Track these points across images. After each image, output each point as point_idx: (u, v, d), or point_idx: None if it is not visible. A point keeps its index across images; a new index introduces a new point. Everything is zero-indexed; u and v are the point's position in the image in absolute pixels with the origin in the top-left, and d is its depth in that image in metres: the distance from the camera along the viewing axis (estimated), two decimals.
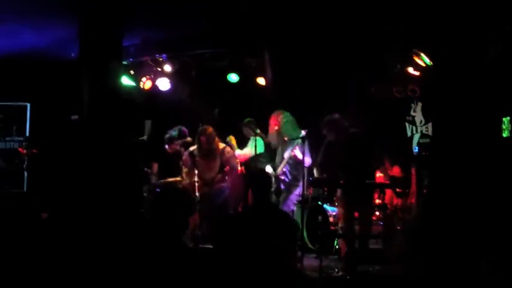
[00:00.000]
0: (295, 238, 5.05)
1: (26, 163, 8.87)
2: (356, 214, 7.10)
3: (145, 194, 8.41)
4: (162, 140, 8.61)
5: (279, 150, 7.58)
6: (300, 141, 6.98)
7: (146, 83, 9.35)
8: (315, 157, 7.07)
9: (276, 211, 5.50)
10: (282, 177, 7.37)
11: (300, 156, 7.07)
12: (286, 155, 7.32)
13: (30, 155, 8.82)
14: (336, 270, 6.64)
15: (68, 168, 7.06)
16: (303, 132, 6.94)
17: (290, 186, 7.38)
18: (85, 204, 6.65)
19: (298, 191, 7.25)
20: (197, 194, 7.32)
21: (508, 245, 5.55)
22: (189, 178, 7.52)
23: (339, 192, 6.99)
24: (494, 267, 5.40)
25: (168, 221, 4.22)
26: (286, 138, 7.46)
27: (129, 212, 6.95)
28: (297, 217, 7.42)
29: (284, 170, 7.37)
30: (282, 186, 7.38)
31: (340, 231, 7.13)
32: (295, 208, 7.47)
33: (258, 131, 7.91)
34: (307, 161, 7.12)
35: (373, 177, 7.16)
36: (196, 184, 7.32)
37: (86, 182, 6.78)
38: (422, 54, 7.90)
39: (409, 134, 9.27)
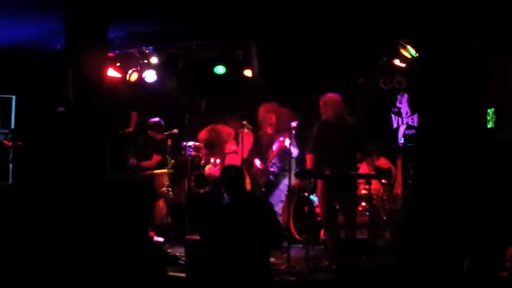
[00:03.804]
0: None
1: (11, 155, 8.80)
2: (336, 204, 7.13)
3: None
4: (147, 131, 8.61)
5: (268, 142, 7.54)
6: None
7: (132, 75, 9.31)
8: (310, 144, 7.05)
9: (256, 203, 5.47)
10: (272, 169, 7.37)
11: (289, 145, 7.09)
12: (275, 146, 7.31)
13: (15, 147, 8.74)
14: (323, 260, 6.68)
15: (54, 161, 7.03)
16: (293, 123, 6.95)
17: (279, 177, 7.39)
18: (71, 196, 6.64)
19: (287, 181, 7.25)
20: None
21: (494, 235, 5.61)
22: None
23: (320, 182, 7.01)
24: (480, 259, 5.45)
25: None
26: (271, 131, 7.45)
27: (115, 203, 6.95)
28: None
29: (273, 161, 7.37)
30: (272, 178, 7.38)
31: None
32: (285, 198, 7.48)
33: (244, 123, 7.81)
34: (295, 151, 7.13)
35: (356, 167, 7.21)
36: None
37: (72, 174, 6.77)
38: (408, 46, 7.93)
39: (395, 125, 9.31)
